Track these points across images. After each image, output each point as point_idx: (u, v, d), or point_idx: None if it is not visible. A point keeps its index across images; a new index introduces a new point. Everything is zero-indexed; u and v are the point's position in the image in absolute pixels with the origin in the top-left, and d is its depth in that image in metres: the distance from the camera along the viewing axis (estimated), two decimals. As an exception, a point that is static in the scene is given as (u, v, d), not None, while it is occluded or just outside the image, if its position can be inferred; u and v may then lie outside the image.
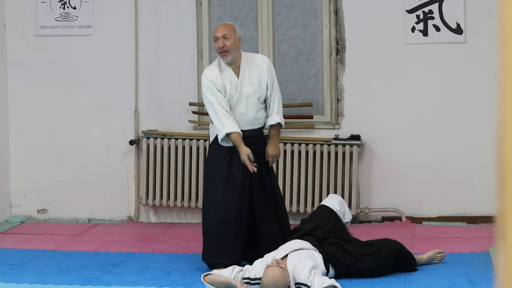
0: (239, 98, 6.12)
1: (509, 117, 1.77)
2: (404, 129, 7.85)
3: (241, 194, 6.15)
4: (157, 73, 8.17)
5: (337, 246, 6.00)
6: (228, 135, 6.03)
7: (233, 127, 6.02)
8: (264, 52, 8.00)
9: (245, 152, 6.03)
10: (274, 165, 7.87)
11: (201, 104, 8.12)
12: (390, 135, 7.88)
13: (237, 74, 6.15)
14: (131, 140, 8.18)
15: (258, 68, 6.22)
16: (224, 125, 6.00)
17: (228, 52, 6.10)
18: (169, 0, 8.08)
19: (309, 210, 7.88)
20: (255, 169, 6.05)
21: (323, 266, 5.79)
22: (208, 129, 6.52)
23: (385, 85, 7.85)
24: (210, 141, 6.27)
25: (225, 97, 6.07)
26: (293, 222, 8.03)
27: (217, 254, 6.18)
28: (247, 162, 6.02)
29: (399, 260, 6.10)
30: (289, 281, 5.55)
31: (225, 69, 6.13)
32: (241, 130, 6.11)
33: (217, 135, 6.12)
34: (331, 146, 7.86)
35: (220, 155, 6.14)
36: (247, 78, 6.16)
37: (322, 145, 7.87)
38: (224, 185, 6.14)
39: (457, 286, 5.75)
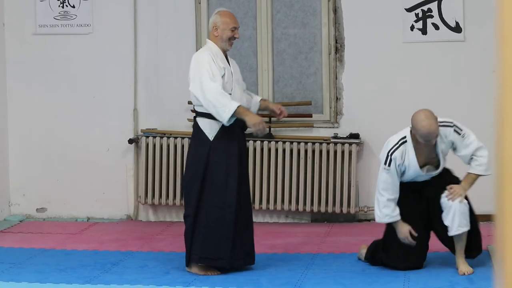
0: (234, 83, 6.19)
1: (507, 116, 1.77)
2: (403, 127, 7.83)
3: (240, 185, 6.21)
4: (156, 71, 8.17)
5: None
6: (235, 111, 6.02)
7: (237, 102, 6.06)
8: (263, 50, 8.00)
9: (257, 117, 6.10)
10: (273, 163, 7.88)
11: (200, 103, 8.12)
12: (389, 134, 7.85)
13: (227, 62, 6.24)
14: (130, 139, 8.18)
15: (232, 59, 6.40)
16: (231, 100, 6.01)
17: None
18: (168, -1, 8.09)
19: (308, 209, 7.88)
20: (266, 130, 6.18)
21: None
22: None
23: (384, 84, 7.84)
24: (213, 137, 6.18)
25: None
26: (292, 221, 8.04)
27: (217, 249, 6.14)
28: (262, 126, 6.06)
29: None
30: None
31: (218, 56, 6.17)
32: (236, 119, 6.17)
33: (221, 127, 6.09)
34: (330, 144, 7.86)
35: (231, 147, 6.13)
36: (233, 66, 6.28)
37: (321, 143, 7.86)
38: (238, 175, 6.15)
39: (456, 285, 5.75)
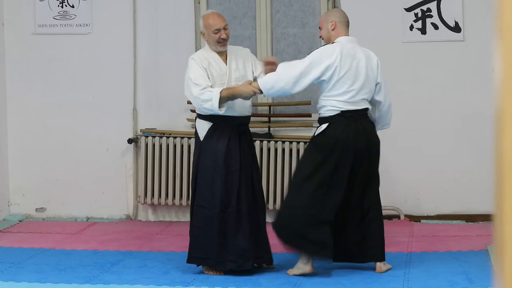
0: (229, 83, 6.16)
1: (507, 115, 1.77)
2: (402, 127, 7.84)
3: (239, 184, 6.18)
4: (155, 71, 8.17)
5: None
6: (220, 97, 5.99)
7: (219, 89, 6.02)
8: (262, 50, 8.00)
9: (244, 85, 6.05)
10: (272, 163, 7.87)
11: (199, 103, 8.12)
12: (388, 133, 7.87)
13: (225, 61, 6.21)
14: (129, 139, 8.18)
15: (242, 55, 6.32)
16: (211, 91, 6.00)
17: (226, 42, 6.21)
18: (167, -1, 8.09)
19: (307, 208, 7.88)
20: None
21: None
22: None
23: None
24: (203, 137, 6.21)
25: (208, 78, 6.10)
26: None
27: (205, 249, 6.15)
28: (251, 89, 6.03)
29: None
30: None
31: (213, 57, 6.18)
32: (233, 117, 6.13)
33: (210, 127, 6.12)
34: (330, 144, 7.85)
35: (218, 148, 6.13)
36: (234, 64, 6.24)
37: (320, 143, 7.86)
38: (225, 176, 6.14)
39: (455, 284, 5.75)
